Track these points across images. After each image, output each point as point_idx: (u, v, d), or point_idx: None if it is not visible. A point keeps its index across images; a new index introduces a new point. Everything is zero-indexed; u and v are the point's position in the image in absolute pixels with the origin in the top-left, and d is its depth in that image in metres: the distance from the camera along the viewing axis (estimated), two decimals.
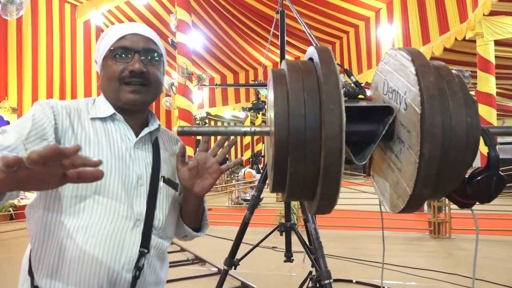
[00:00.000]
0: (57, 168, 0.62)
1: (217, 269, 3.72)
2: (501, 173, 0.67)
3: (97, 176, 0.62)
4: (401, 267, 3.61)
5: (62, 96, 17.03)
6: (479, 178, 0.68)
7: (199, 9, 14.81)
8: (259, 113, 14.49)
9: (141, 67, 0.99)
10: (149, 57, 1.02)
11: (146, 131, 1.05)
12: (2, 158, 0.58)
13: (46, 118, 0.94)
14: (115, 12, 16.37)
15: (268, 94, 0.77)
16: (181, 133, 0.71)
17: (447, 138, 0.61)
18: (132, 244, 0.96)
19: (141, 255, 0.97)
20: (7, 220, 6.69)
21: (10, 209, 6.75)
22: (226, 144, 0.99)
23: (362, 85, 0.86)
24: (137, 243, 0.97)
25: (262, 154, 19.11)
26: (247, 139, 22.02)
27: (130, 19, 16.52)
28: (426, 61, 0.63)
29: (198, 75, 12.66)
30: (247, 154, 20.74)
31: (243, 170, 9.82)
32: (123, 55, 1.00)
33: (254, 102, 6.84)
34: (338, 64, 0.69)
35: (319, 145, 0.61)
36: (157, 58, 1.04)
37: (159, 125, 1.10)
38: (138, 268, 0.96)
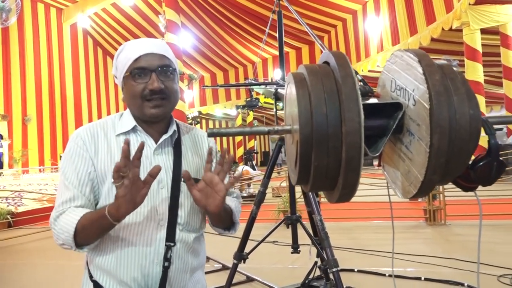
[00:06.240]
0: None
1: (221, 265, 3.79)
2: (501, 158, 0.75)
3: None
4: (400, 254, 3.71)
5: (52, 100, 16.92)
6: (481, 163, 0.75)
7: (187, 8, 14.79)
8: (252, 110, 14.53)
9: (159, 85, 1.10)
10: (164, 73, 1.12)
11: (163, 137, 1.17)
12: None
13: (81, 156, 1.12)
14: (102, 14, 16.26)
15: (286, 94, 0.84)
16: (210, 134, 0.77)
17: (453, 129, 0.68)
18: (158, 240, 1.12)
19: (168, 248, 1.12)
20: (5, 227, 6.68)
21: (8, 216, 6.75)
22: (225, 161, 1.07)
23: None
24: (163, 239, 1.12)
25: (256, 150, 19.14)
26: (239, 137, 22.06)
27: (118, 21, 16.43)
28: (431, 62, 0.70)
29: (189, 75, 12.70)
30: (240, 151, 20.79)
31: (239, 167, 9.89)
32: (142, 75, 1.10)
33: (247, 99, 6.84)
34: None
35: (340, 140, 0.68)
36: (172, 72, 1.14)
37: (174, 130, 1.20)
38: (167, 259, 1.11)
